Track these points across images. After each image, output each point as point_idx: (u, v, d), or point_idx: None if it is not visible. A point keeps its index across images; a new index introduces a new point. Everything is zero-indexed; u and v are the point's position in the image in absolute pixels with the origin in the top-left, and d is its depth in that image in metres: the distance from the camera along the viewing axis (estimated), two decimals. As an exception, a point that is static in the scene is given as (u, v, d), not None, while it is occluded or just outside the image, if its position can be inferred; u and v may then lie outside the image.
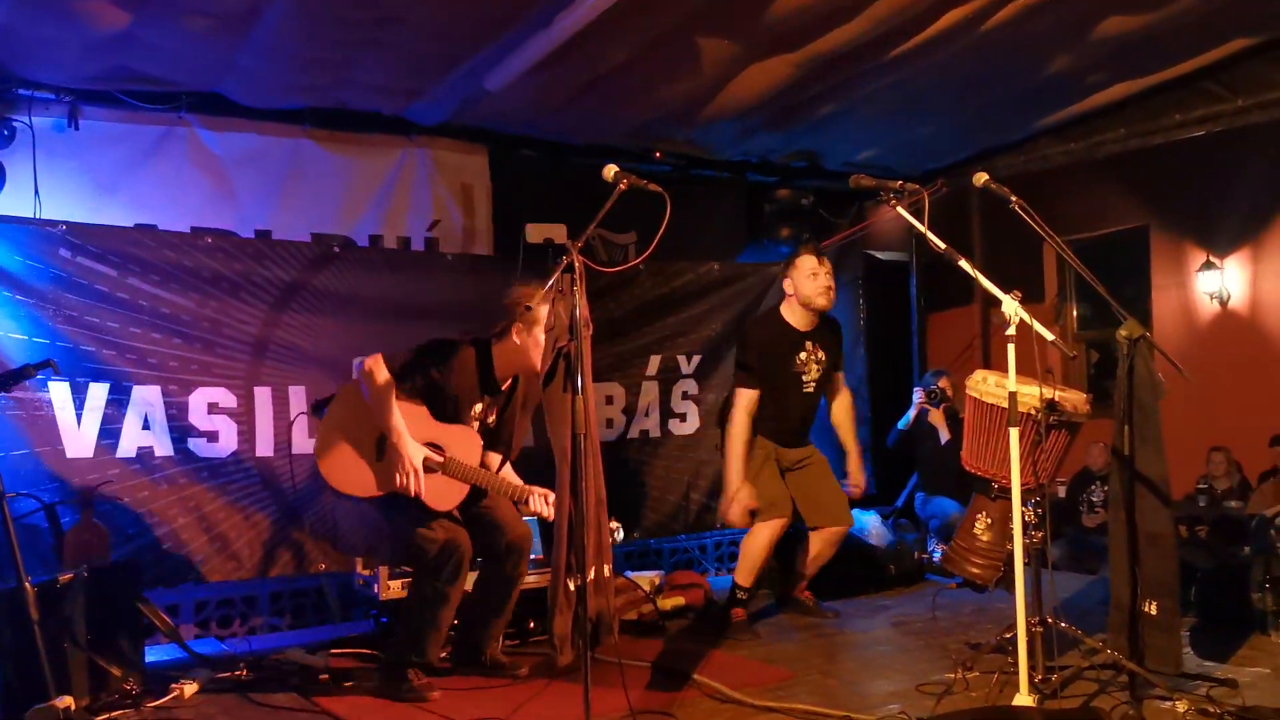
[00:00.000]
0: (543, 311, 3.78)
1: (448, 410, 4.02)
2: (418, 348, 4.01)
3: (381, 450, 3.95)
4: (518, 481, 4.15)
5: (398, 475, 3.83)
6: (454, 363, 3.99)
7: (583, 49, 4.84)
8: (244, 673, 4.19)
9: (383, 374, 3.86)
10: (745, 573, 4.97)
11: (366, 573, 4.68)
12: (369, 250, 5.67)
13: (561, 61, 4.96)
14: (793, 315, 4.94)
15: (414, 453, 3.85)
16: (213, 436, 4.86)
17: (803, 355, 4.93)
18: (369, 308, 5.25)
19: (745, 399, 4.85)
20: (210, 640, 4.94)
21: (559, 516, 3.43)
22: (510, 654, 4.40)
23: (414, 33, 4.65)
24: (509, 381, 4.18)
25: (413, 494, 3.84)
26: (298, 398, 5.03)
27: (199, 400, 4.83)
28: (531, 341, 3.96)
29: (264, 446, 4.95)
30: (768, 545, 4.91)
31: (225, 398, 4.89)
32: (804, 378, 4.95)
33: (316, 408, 4.38)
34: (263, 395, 4.97)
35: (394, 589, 4.52)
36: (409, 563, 4.22)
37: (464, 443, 4.01)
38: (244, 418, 4.92)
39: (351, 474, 3.94)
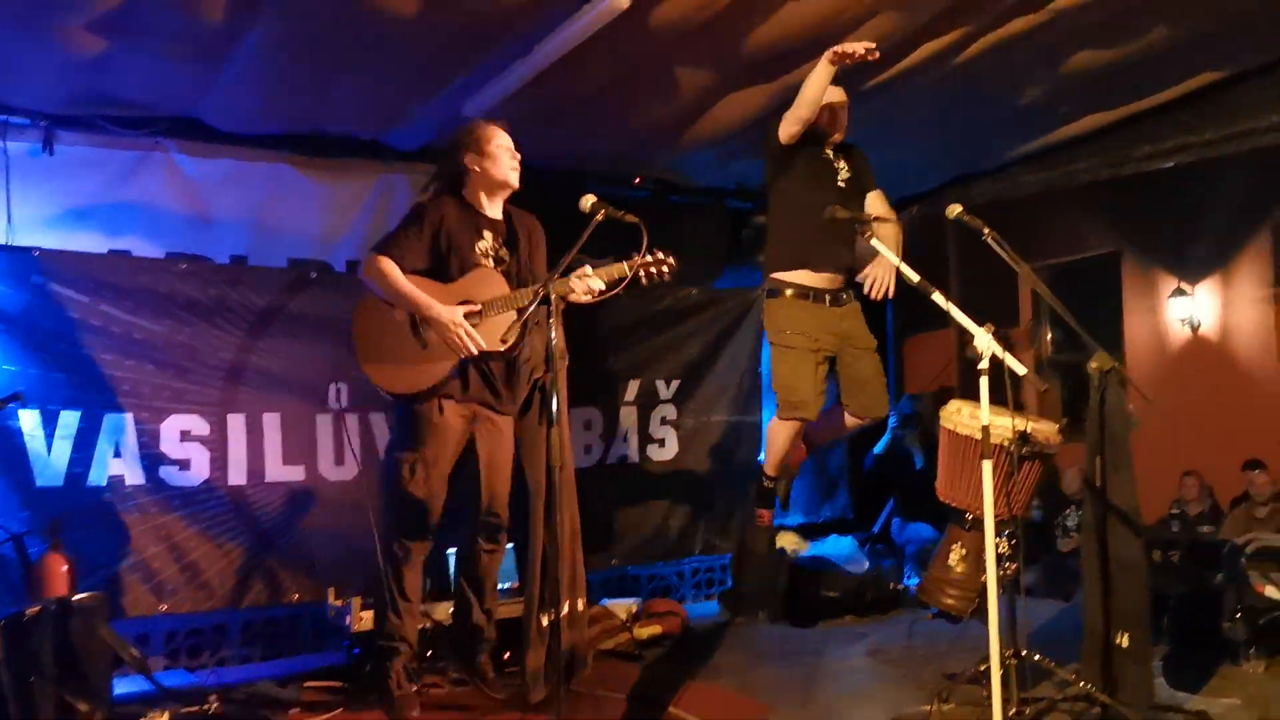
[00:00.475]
0: (489, 130, 3.92)
1: (456, 263, 3.93)
2: (403, 221, 4.00)
3: (423, 339, 3.89)
4: None
5: (449, 340, 3.76)
6: (435, 205, 3.98)
7: (561, 77, 4.86)
8: (213, 706, 4.14)
9: (383, 262, 3.83)
10: (771, 464, 4.94)
11: (339, 603, 4.64)
12: (346, 275, 5.64)
13: (540, 88, 4.98)
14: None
15: (449, 313, 3.78)
16: (185, 464, 4.81)
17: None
18: (346, 333, 5.19)
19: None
20: (180, 672, 4.87)
21: (533, 550, 3.42)
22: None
23: (392, 59, 4.66)
24: (499, 210, 4.11)
25: (472, 351, 3.76)
26: (272, 425, 4.99)
27: (171, 428, 4.78)
28: (489, 160, 3.97)
29: (237, 475, 4.90)
30: (788, 441, 4.80)
31: (198, 425, 4.84)
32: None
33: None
34: (236, 422, 4.92)
35: (366, 620, 4.48)
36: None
37: (487, 283, 3.93)
38: (217, 445, 4.87)
39: (407, 374, 3.88)
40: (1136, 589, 3.73)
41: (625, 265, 3.76)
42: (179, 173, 5.34)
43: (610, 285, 3.77)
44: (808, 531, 7.65)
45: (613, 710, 4.03)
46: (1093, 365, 3.81)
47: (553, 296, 3.32)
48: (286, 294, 5.07)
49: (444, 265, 3.92)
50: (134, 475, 4.70)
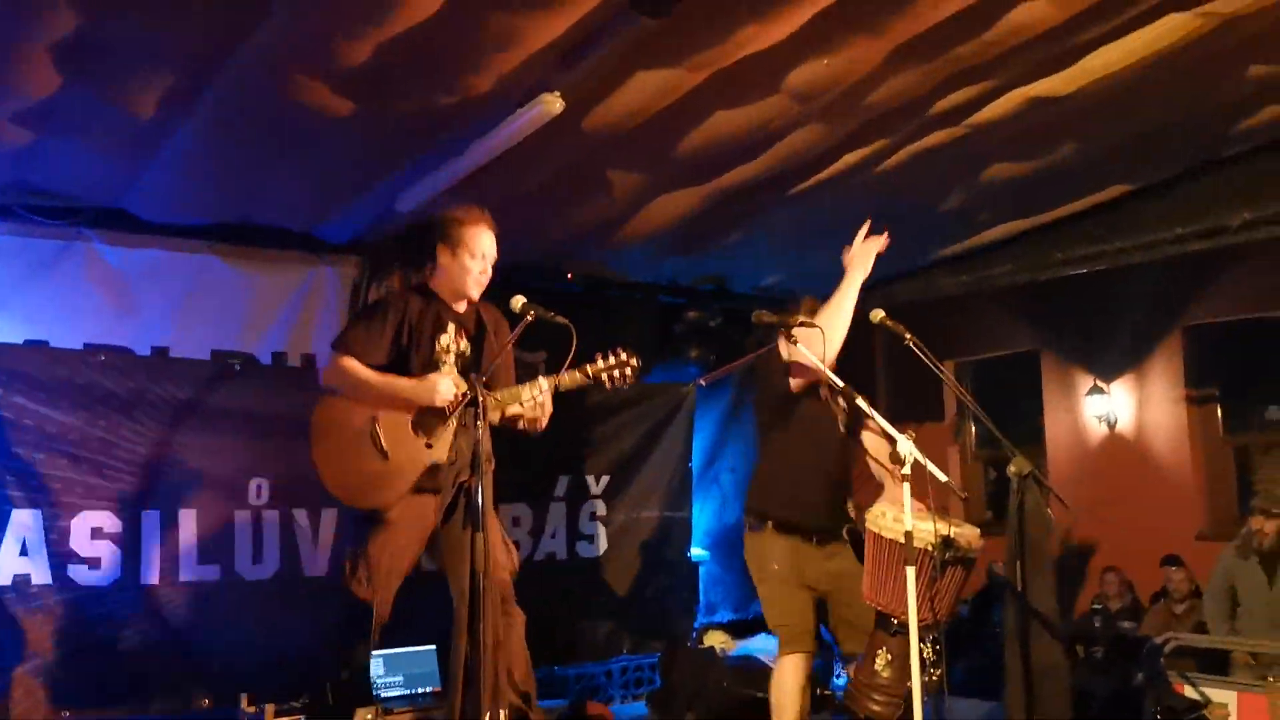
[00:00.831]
0: (470, 233, 3.72)
1: (418, 359, 3.74)
2: (358, 315, 3.90)
3: (384, 452, 3.68)
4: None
5: (441, 403, 3.59)
6: (399, 297, 3.83)
7: (495, 175, 4.92)
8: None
9: (347, 362, 3.67)
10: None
11: (252, 710, 4.47)
12: (271, 369, 5.57)
13: (474, 186, 5.02)
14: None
15: (427, 383, 3.61)
16: (95, 563, 4.65)
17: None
18: (270, 427, 5.12)
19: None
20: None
21: (454, 658, 3.34)
22: None
23: (326, 155, 4.68)
24: (463, 305, 3.89)
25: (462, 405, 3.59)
26: (188, 522, 4.87)
27: (82, 525, 4.64)
28: (458, 267, 3.75)
29: (149, 573, 4.75)
30: (796, 686, 4.08)
31: (110, 522, 4.71)
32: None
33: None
34: (150, 519, 4.79)
35: (281, 727, 4.33)
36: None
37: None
38: (129, 543, 4.73)
39: (371, 488, 3.69)
40: (1058, 691, 3.77)
41: (587, 369, 3.65)
42: (101, 263, 5.26)
43: (567, 391, 3.69)
44: (737, 629, 7.60)
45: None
46: (1011, 469, 3.89)
47: (480, 399, 3.30)
48: (208, 387, 4.99)
49: (405, 361, 3.76)
50: (41, 574, 4.54)
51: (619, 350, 3.68)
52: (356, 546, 3.76)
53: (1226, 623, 6.10)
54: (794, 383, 4.08)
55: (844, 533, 4.16)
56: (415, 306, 3.80)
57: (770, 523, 4.13)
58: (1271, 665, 5.68)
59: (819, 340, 4.10)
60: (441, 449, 3.63)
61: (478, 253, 3.76)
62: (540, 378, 3.66)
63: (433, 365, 3.75)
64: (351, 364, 3.68)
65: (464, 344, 3.87)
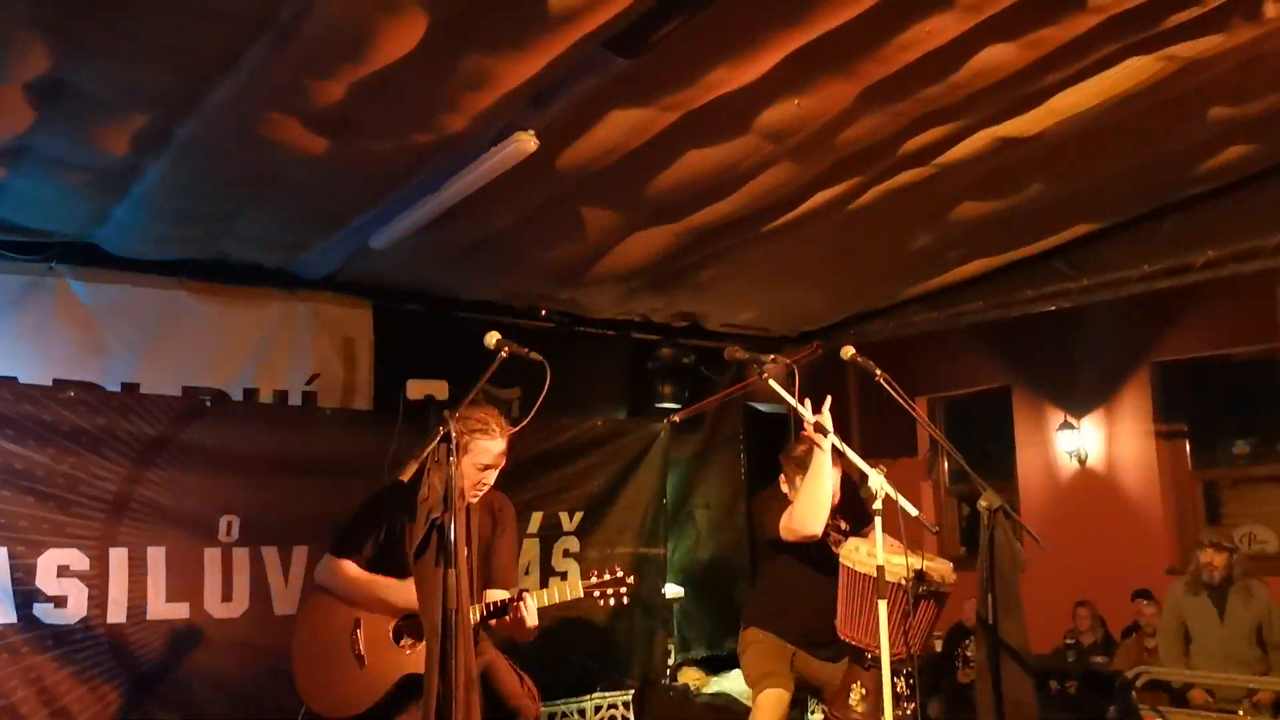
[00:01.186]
0: (478, 444, 3.66)
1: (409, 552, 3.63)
2: (355, 515, 3.78)
3: (360, 659, 3.69)
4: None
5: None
6: (405, 490, 3.60)
7: (470, 213, 4.95)
8: None
9: (345, 565, 3.67)
10: None
11: (221, 751, 4.42)
12: (243, 404, 5.54)
13: (448, 224, 5.05)
14: None
15: (410, 593, 3.46)
16: (61, 602, 4.57)
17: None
18: (241, 463, 5.09)
19: None
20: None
21: (427, 699, 3.30)
22: None
23: (298, 193, 4.68)
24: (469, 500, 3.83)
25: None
26: (156, 560, 4.80)
27: (48, 562, 4.57)
28: (461, 468, 3.61)
29: (116, 612, 4.68)
30: (782, 715, 4.10)
31: (77, 560, 4.63)
32: None
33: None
34: (118, 557, 4.72)
35: (250, 769, 4.28)
36: None
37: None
38: (96, 581, 4.66)
39: (340, 694, 3.64)
40: (1030, 726, 3.76)
41: (580, 586, 3.74)
42: (72, 298, 5.24)
43: (560, 601, 3.76)
44: (711, 666, 7.57)
45: None
46: (981, 504, 3.91)
47: (453, 435, 3.29)
48: (179, 423, 4.95)
49: (397, 551, 3.68)
50: (4, 613, 4.46)
51: (617, 569, 3.78)
52: None
53: (1180, 660, 6.11)
54: (785, 537, 4.11)
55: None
56: (430, 497, 3.60)
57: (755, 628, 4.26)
58: (1229, 701, 5.73)
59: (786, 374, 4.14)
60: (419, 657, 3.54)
61: (482, 463, 3.71)
62: (527, 595, 3.66)
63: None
64: (347, 568, 3.68)
65: (468, 537, 3.79)
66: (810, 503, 4.01)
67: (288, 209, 4.83)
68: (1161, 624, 6.39)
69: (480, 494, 3.78)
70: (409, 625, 3.71)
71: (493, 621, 3.73)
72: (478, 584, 3.79)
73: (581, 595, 3.73)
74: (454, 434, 3.32)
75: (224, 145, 4.10)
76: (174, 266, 5.44)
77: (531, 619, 3.66)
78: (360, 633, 3.68)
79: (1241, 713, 5.08)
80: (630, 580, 3.75)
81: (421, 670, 3.38)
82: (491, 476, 3.78)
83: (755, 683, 4.19)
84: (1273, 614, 5.89)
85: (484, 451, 3.70)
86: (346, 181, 4.61)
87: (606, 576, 3.73)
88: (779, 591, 4.30)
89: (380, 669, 3.64)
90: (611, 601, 3.76)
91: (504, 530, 3.91)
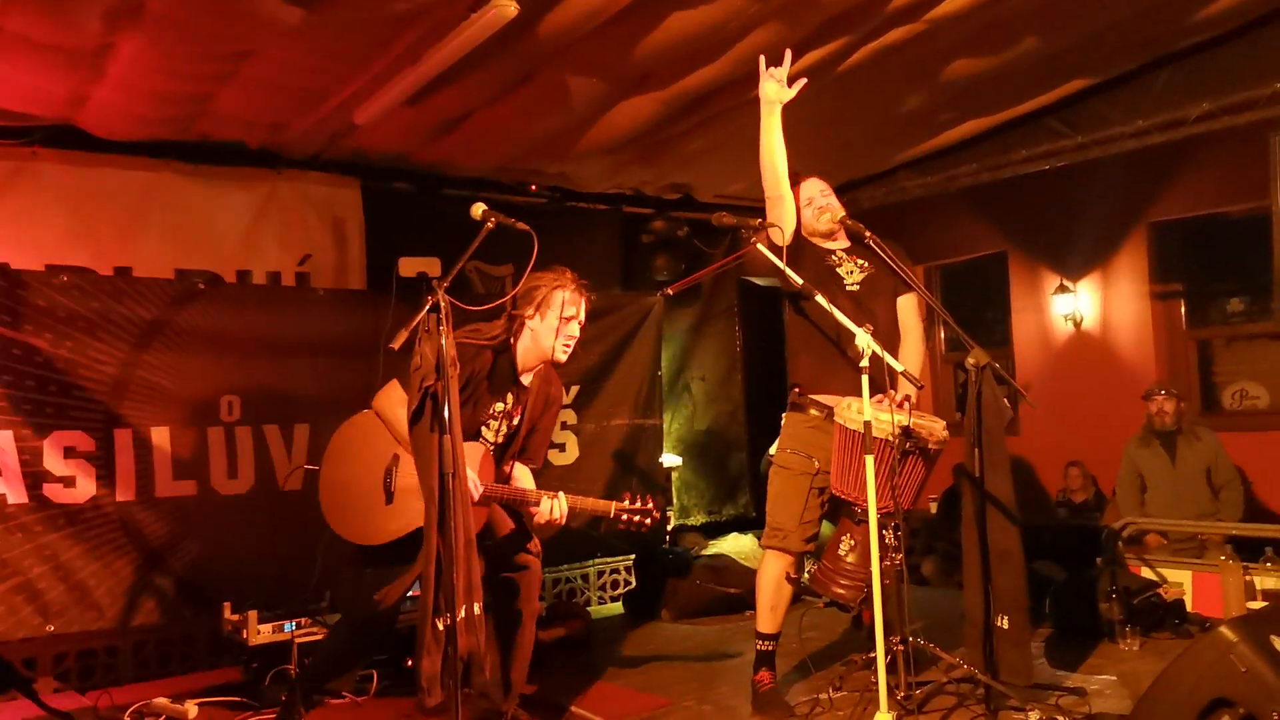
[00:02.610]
0: (556, 296, 3.68)
1: (468, 415, 3.67)
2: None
3: (390, 494, 3.69)
4: (530, 486, 3.88)
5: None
6: (478, 352, 3.72)
7: (452, 84, 4.87)
8: (104, 727, 4.06)
9: (398, 392, 3.58)
10: (761, 615, 4.21)
11: (235, 618, 4.57)
12: (236, 286, 5.56)
13: (431, 96, 4.98)
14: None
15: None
16: (69, 482, 4.68)
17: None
18: (237, 345, 5.14)
19: None
20: (71, 694, 4.74)
21: (427, 556, 3.41)
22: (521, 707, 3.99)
23: (275, 67, 4.61)
24: (530, 374, 3.86)
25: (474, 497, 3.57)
26: (161, 439, 4.90)
27: (54, 444, 4.66)
28: (543, 326, 3.73)
29: (125, 491, 4.79)
30: (774, 581, 4.18)
31: (83, 441, 4.73)
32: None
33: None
34: (123, 438, 4.81)
35: (264, 633, 4.44)
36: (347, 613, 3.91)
37: (470, 459, 3.66)
38: (103, 462, 4.76)
39: (362, 523, 3.66)
40: (1014, 575, 3.89)
41: (613, 506, 3.78)
42: (58, 182, 5.21)
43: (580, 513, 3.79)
44: (710, 530, 7.77)
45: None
46: (970, 361, 3.96)
47: (442, 304, 3.32)
48: (174, 306, 4.98)
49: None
50: (16, 494, 4.57)
51: (648, 500, 3.81)
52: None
53: (1137, 509, 6.39)
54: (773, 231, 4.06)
55: None
56: (486, 363, 3.73)
57: (813, 409, 4.17)
58: (1181, 542, 5.98)
59: (779, 235, 4.13)
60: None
61: (566, 316, 3.70)
62: (562, 495, 3.73)
63: (476, 429, 3.74)
64: (402, 398, 3.53)
65: (517, 419, 3.84)
66: (762, 165, 4.09)
67: (266, 84, 4.75)
68: (1119, 476, 6.64)
69: (570, 348, 3.77)
70: None
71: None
72: (513, 451, 3.84)
73: (610, 515, 3.78)
74: (442, 303, 3.35)
75: (196, 18, 4.02)
76: (159, 148, 5.39)
77: (561, 518, 3.72)
78: (396, 470, 3.67)
79: (1224, 558, 5.22)
80: (656, 515, 3.80)
81: None
82: (576, 328, 3.77)
83: (767, 528, 4.27)
84: (1219, 457, 6.18)
85: (563, 304, 3.70)
86: (324, 54, 4.54)
87: (638, 504, 3.78)
88: (808, 341, 4.19)
89: (403, 512, 3.63)
90: (632, 528, 3.82)
91: (551, 410, 3.95)
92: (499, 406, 3.82)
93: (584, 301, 3.81)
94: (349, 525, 3.67)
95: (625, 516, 3.79)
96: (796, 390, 4.25)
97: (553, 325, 3.73)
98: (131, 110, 4.89)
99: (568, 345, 3.77)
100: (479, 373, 3.72)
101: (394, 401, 3.60)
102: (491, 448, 3.79)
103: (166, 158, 5.46)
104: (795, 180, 4.21)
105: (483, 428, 3.79)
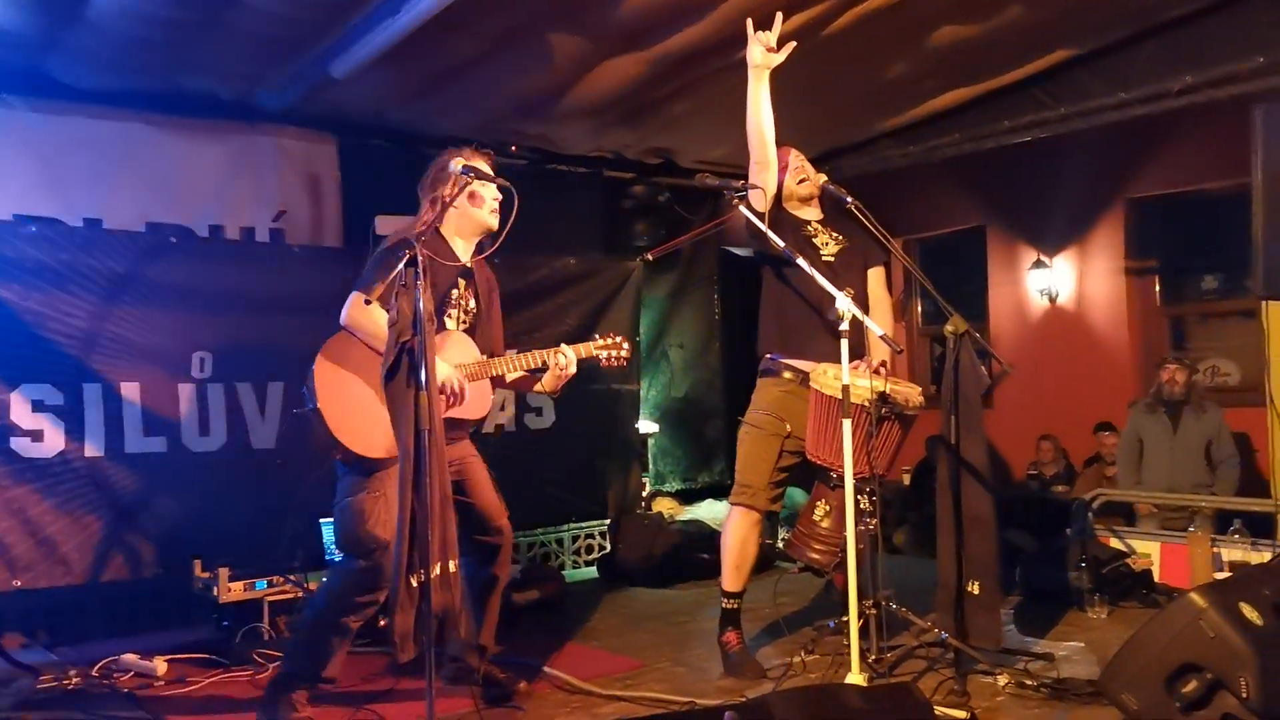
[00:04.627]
0: (456, 163, 3.55)
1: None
2: (373, 261, 3.63)
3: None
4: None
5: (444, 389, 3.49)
6: (410, 242, 3.47)
7: (431, 40, 4.79)
8: (73, 681, 4.01)
9: (373, 308, 3.50)
10: (726, 573, 4.23)
11: (205, 575, 4.54)
12: (209, 241, 5.47)
13: (410, 52, 4.90)
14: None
15: (443, 366, 3.53)
16: (37, 436, 4.60)
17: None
18: (210, 300, 5.05)
19: None
20: (39, 651, 4.69)
21: (402, 513, 3.38)
22: (504, 670, 3.96)
23: (253, 16, 4.52)
24: (469, 256, 3.79)
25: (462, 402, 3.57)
26: (130, 393, 4.82)
27: (22, 398, 4.58)
28: (472, 200, 3.65)
29: (94, 446, 4.72)
30: (740, 540, 4.20)
31: (51, 394, 4.63)
32: None
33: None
34: (92, 392, 4.72)
35: (235, 590, 4.41)
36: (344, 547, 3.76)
37: (459, 346, 3.70)
38: (72, 416, 4.68)
39: (374, 435, 3.53)
40: (986, 541, 3.90)
41: (593, 347, 3.85)
42: (28, 131, 5.09)
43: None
44: (685, 496, 7.80)
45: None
46: (948, 329, 3.95)
47: (420, 259, 3.27)
48: (145, 259, 4.88)
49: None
50: (-19, 447, 4.49)
51: (615, 335, 3.90)
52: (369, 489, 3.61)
53: (1134, 474, 6.47)
54: (754, 195, 4.12)
55: None
56: (426, 256, 3.45)
57: (787, 373, 4.19)
58: (1173, 511, 6.05)
59: (761, 199, 4.12)
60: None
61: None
62: (564, 346, 3.78)
63: (441, 328, 3.68)
64: (373, 308, 3.50)
65: (471, 301, 3.81)
66: (749, 130, 4.09)
67: (243, 34, 4.66)
68: (1120, 441, 6.71)
69: (496, 211, 3.71)
70: None
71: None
72: (479, 342, 3.81)
73: (594, 355, 3.85)
74: (420, 258, 3.31)
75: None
76: (131, 97, 5.28)
77: (572, 367, 3.79)
78: None
79: (1193, 529, 5.28)
80: (627, 347, 3.91)
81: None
82: (492, 188, 3.69)
83: (735, 485, 4.26)
84: (1221, 432, 6.24)
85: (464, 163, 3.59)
86: (301, 3, 4.45)
87: (609, 341, 3.87)
88: (783, 306, 4.22)
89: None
90: (614, 364, 3.90)
91: (494, 296, 3.94)
92: (454, 293, 3.77)
93: (487, 160, 3.74)
94: (376, 443, 3.56)
95: (605, 354, 3.85)
96: (769, 356, 4.26)
97: (478, 194, 3.67)
98: (105, 57, 4.79)
99: (494, 209, 3.71)
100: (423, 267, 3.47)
101: (361, 309, 3.54)
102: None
103: (139, 108, 5.34)
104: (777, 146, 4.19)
105: (445, 319, 3.74)
